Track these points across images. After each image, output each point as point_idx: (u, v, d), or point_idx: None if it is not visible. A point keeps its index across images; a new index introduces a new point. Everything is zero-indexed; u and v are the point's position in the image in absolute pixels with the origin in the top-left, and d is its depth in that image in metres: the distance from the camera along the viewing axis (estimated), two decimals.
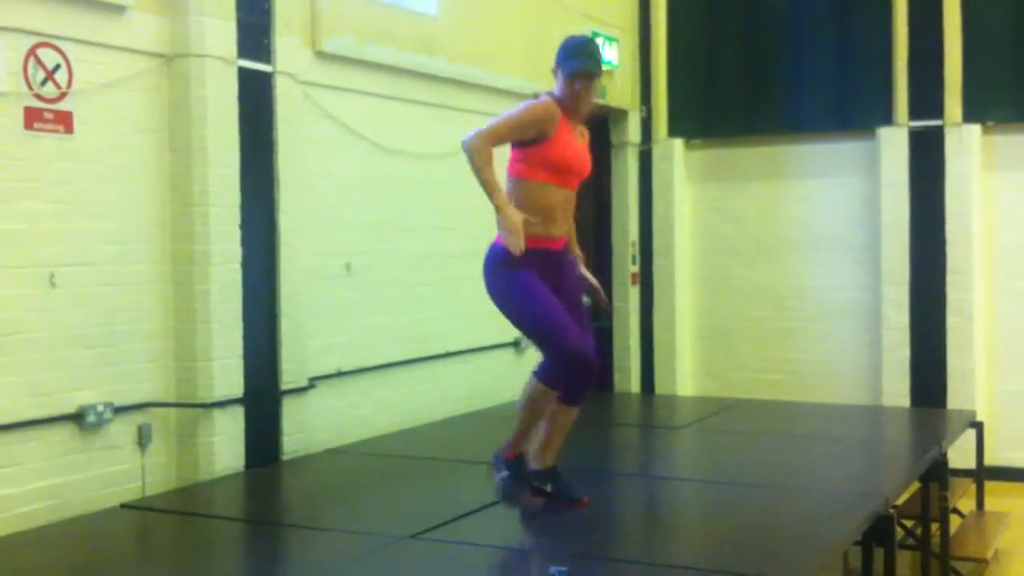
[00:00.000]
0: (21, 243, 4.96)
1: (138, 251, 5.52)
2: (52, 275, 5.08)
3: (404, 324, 7.20)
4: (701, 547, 4.57)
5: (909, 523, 6.44)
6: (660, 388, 10.22)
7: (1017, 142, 9.22)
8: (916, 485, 6.29)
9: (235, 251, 5.82)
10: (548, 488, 4.91)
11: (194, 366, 5.66)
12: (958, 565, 6.46)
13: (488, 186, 4.44)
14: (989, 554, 6.62)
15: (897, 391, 9.29)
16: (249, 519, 5.24)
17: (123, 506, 5.23)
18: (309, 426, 6.32)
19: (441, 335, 7.48)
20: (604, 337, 10.18)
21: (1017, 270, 9.24)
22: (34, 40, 5.01)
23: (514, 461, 4.80)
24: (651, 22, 10.26)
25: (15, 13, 4.93)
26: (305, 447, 6.25)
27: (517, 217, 4.41)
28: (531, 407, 4.74)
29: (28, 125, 4.99)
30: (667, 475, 6.15)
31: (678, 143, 10.26)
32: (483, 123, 4.59)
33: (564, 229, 4.80)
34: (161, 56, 5.61)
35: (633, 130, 10.18)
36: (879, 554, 5.03)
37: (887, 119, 9.42)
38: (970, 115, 9.18)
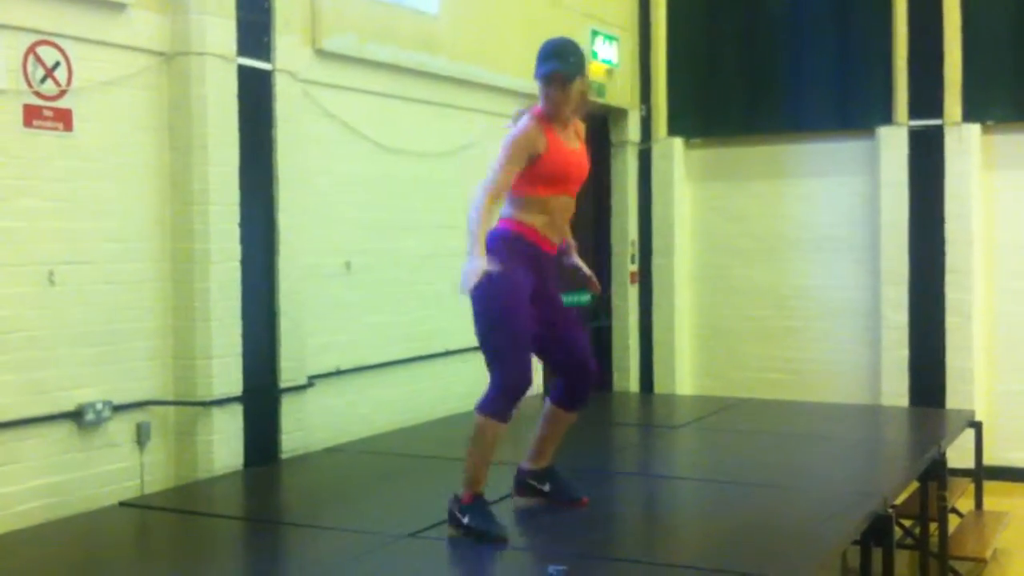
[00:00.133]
0: (20, 241, 4.96)
1: (138, 249, 5.52)
2: (51, 273, 5.07)
3: (404, 323, 7.20)
4: (700, 546, 4.57)
5: (908, 523, 6.45)
6: (659, 387, 10.22)
7: (1017, 141, 9.22)
8: (915, 485, 6.29)
9: (234, 249, 5.82)
10: (546, 488, 4.91)
11: (193, 364, 5.66)
12: (957, 565, 6.47)
13: (474, 238, 4.39)
14: (988, 554, 6.63)
15: (896, 391, 9.29)
16: (248, 517, 5.24)
17: (122, 504, 5.23)
18: (308, 424, 6.32)
19: (441, 334, 7.48)
20: (603, 336, 10.20)
21: (1016, 269, 9.24)
22: (34, 38, 5.01)
23: (473, 502, 4.55)
24: (651, 21, 10.26)
25: (15, 11, 4.93)
26: (304, 445, 6.25)
27: (483, 265, 4.33)
28: (479, 443, 4.55)
29: (27, 123, 4.99)
30: (666, 474, 6.15)
31: (678, 142, 10.26)
32: (486, 167, 4.62)
33: (561, 235, 4.79)
34: (161, 54, 5.60)
35: (633, 129, 10.18)
36: (878, 554, 5.03)
37: (887, 118, 9.42)
38: (970, 114, 9.18)
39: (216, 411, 5.69)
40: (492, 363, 4.55)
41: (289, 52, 6.17)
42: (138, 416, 5.50)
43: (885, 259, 9.41)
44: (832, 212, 9.83)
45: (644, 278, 10.30)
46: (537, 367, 5.56)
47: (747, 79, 10.12)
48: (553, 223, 4.69)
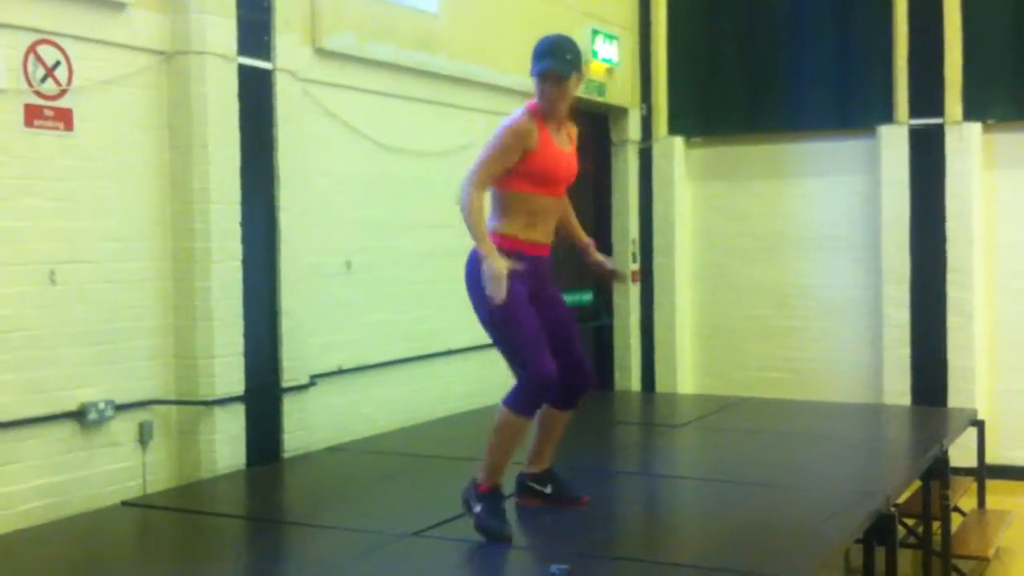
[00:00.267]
0: (21, 240, 4.96)
1: (138, 248, 5.52)
2: (52, 272, 5.07)
3: (405, 322, 7.19)
4: (702, 545, 4.56)
5: (910, 521, 6.45)
6: (660, 386, 10.21)
7: (1017, 140, 9.22)
8: (917, 483, 6.29)
9: (235, 248, 5.82)
10: (547, 490, 4.90)
11: (195, 364, 5.65)
12: (959, 563, 6.46)
13: (477, 235, 4.38)
14: (990, 552, 6.62)
15: (898, 389, 9.29)
16: (250, 517, 5.23)
17: (124, 504, 5.23)
18: (310, 424, 6.31)
19: (442, 333, 7.48)
20: (605, 335, 10.20)
21: (1017, 268, 9.24)
22: (34, 37, 5.00)
23: (489, 494, 4.56)
24: (651, 20, 10.26)
25: (15, 10, 4.93)
26: (306, 445, 6.25)
27: (502, 267, 4.31)
28: (502, 436, 4.55)
29: (28, 122, 4.99)
30: (668, 473, 6.15)
31: (678, 141, 10.26)
32: (474, 156, 4.58)
33: (549, 236, 4.72)
34: (161, 53, 5.60)
35: (633, 128, 10.17)
36: (880, 552, 5.02)
37: (887, 117, 9.41)
38: (970, 113, 9.18)
39: (218, 410, 5.69)
40: (513, 364, 4.56)
41: (289, 51, 6.17)
42: (140, 415, 5.50)
43: (886, 258, 9.40)
44: (833, 211, 9.82)
45: (645, 277, 10.29)
46: None
47: (748, 78, 10.12)
48: (537, 223, 4.61)
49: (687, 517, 5.18)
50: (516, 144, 4.50)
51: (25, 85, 4.96)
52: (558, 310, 4.78)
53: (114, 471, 5.35)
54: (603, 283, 5.23)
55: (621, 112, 10.08)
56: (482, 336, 4.79)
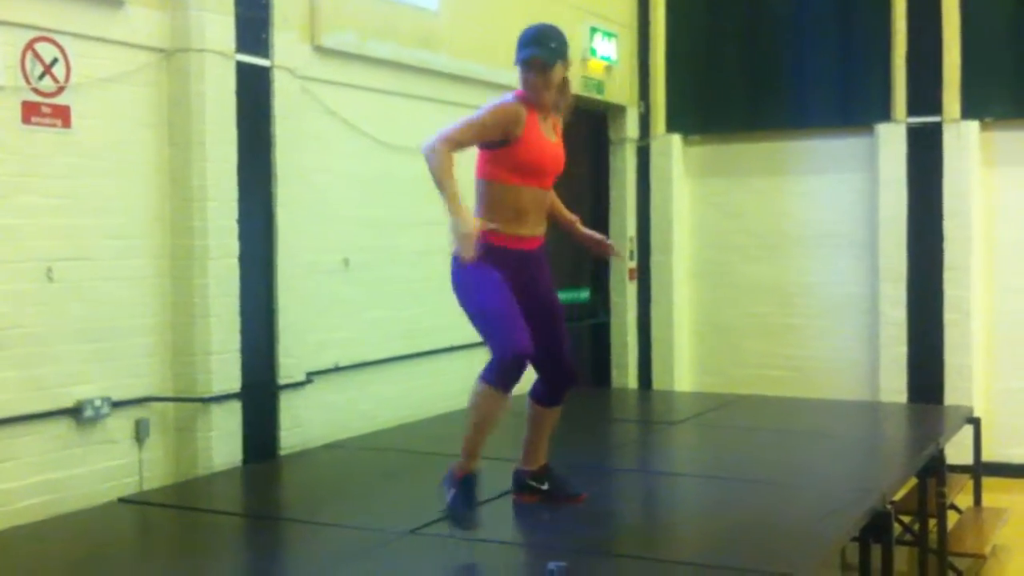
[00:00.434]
0: (19, 238, 4.96)
1: (136, 246, 5.52)
2: (50, 270, 5.07)
3: (402, 319, 7.19)
4: (699, 543, 4.57)
5: (907, 519, 6.45)
6: (658, 384, 10.22)
7: (1015, 138, 9.23)
8: (914, 481, 6.30)
9: (233, 246, 5.82)
10: (544, 487, 4.89)
11: (192, 361, 5.66)
12: (956, 561, 6.47)
13: (446, 191, 4.23)
14: (987, 550, 6.63)
15: (895, 387, 9.30)
16: (247, 514, 5.24)
17: (121, 500, 5.23)
18: (307, 421, 6.31)
19: (440, 330, 7.47)
20: (602, 332, 10.20)
21: (1015, 266, 9.25)
22: (32, 34, 5.00)
23: (463, 480, 4.48)
24: (650, 18, 10.26)
25: (13, 7, 4.93)
26: (303, 442, 6.25)
27: (471, 224, 4.21)
28: (478, 412, 4.45)
29: (26, 119, 4.99)
30: (665, 471, 6.15)
31: (676, 139, 10.26)
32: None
33: (538, 230, 4.62)
34: (160, 51, 5.60)
35: (631, 126, 10.17)
36: (877, 550, 5.03)
37: (886, 115, 9.42)
38: (968, 111, 9.19)
39: (215, 407, 5.69)
40: (487, 337, 4.45)
41: (288, 49, 6.17)
42: (137, 412, 5.50)
43: (884, 256, 9.42)
44: (831, 209, 9.83)
45: (643, 275, 10.30)
46: None
47: (746, 76, 10.12)
48: (522, 217, 4.50)
49: (684, 514, 5.18)
50: (501, 123, 4.40)
51: (23, 82, 4.96)
52: (547, 304, 4.70)
53: (111, 468, 5.35)
54: (597, 257, 5.12)
55: (619, 110, 10.08)
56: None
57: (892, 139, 9.37)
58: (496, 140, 4.43)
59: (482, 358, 4.60)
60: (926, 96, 9.27)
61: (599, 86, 9.50)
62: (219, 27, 5.71)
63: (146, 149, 5.58)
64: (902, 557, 6.46)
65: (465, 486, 4.47)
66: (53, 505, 5.03)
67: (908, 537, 6.39)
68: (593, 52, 9.31)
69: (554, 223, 4.95)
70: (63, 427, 5.14)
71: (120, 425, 5.41)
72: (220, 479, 5.64)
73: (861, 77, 9.59)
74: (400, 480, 5.69)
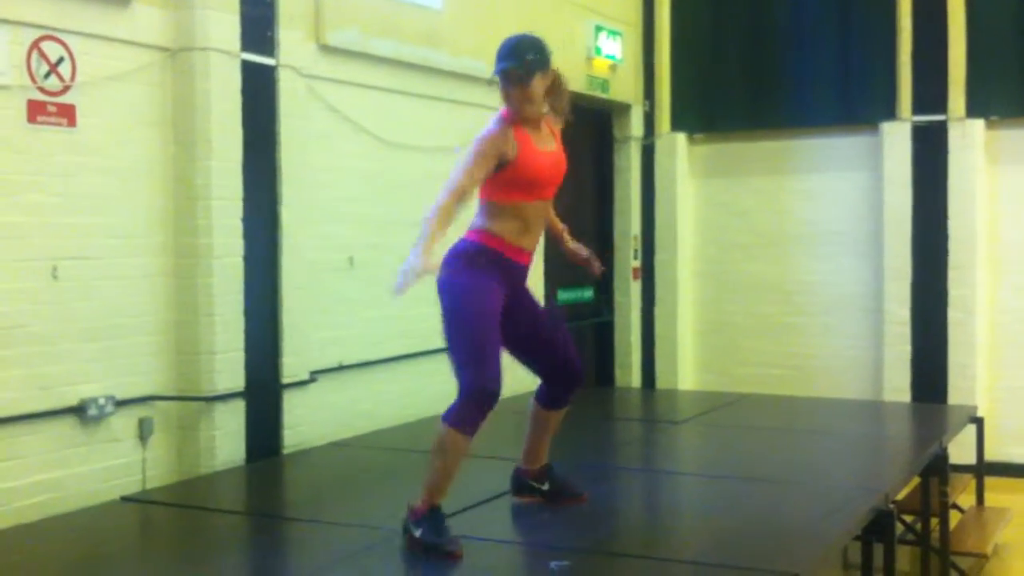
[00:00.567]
0: (24, 236, 4.97)
1: (141, 244, 5.53)
2: (55, 268, 5.09)
3: (406, 318, 7.19)
4: (702, 542, 4.57)
5: (909, 518, 6.45)
6: (661, 383, 10.22)
7: (1021, 137, 9.21)
8: (916, 480, 6.29)
9: (237, 244, 5.83)
10: (545, 487, 4.90)
11: (196, 359, 5.67)
12: (958, 560, 6.47)
13: (428, 232, 4.15)
14: (989, 549, 6.63)
15: (898, 386, 9.29)
16: (250, 512, 5.25)
17: (124, 499, 5.24)
18: (310, 420, 6.32)
19: None
20: (606, 331, 10.21)
21: (1020, 265, 9.24)
22: (37, 33, 5.01)
23: (429, 514, 4.27)
24: (654, 16, 10.25)
25: (19, 6, 4.94)
26: (306, 441, 6.26)
27: (426, 265, 4.06)
28: (442, 456, 4.29)
29: (31, 118, 5.00)
30: (668, 470, 6.15)
31: (681, 137, 10.25)
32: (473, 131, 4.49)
33: (535, 244, 4.60)
34: (165, 49, 5.61)
35: (636, 124, 10.17)
36: (879, 549, 5.05)
37: (890, 114, 9.41)
38: (973, 110, 9.17)
39: (218, 406, 5.70)
40: (459, 370, 4.32)
41: (292, 47, 6.18)
42: (141, 411, 5.51)
43: (888, 255, 9.41)
44: (835, 208, 9.82)
45: (646, 274, 10.29)
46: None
47: (750, 74, 10.12)
48: (527, 229, 4.50)
49: (687, 513, 5.18)
50: (492, 155, 4.35)
51: (28, 81, 4.97)
52: (535, 315, 4.70)
53: (114, 467, 5.36)
54: (581, 265, 5.05)
55: (624, 108, 10.08)
56: None
57: (897, 137, 9.35)
58: (494, 167, 4.38)
59: None
60: (931, 94, 9.26)
61: (604, 84, 9.50)
62: (224, 26, 5.72)
63: (151, 148, 5.59)
64: (904, 556, 6.47)
65: (433, 519, 4.27)
66: (56, 503, 5.04)
67: (910, 536, 6.38)
68: (598, 51, 9.31)
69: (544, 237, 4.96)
70: (67, 426, 5.16)
71: (124, 424, 5.42)
72: (223, 478, 5.65)
73: (866, 75, 9.58)
74: (403, 479, 5.67)
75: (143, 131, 5.54)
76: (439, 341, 7.60)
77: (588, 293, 9.87)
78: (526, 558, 4.49)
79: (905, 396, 9.23)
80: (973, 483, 7.52)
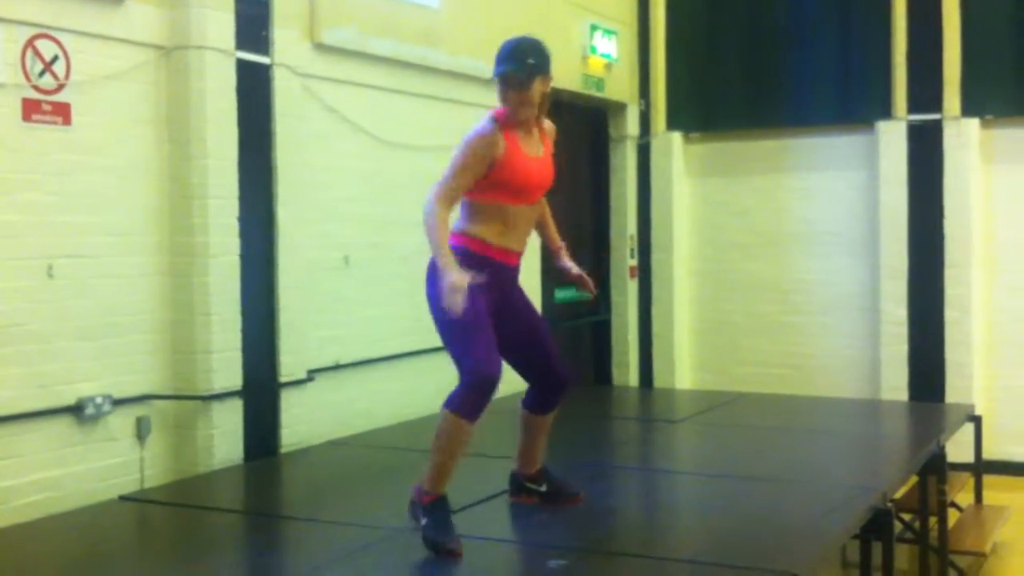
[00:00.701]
0: (19, 235, 4.95)
1: (136, 243, 5.52)
2: (50, 267, 5.07)
3: (403, 316, 7.18)
4: (700, 541, 4.56)
5: (907, 517, 6.45)
6: (659, 382, 10.22)
7: (1016, 136, 9.22)
8: (914, 479, 6.29)
9: (233, 243, 5.82)
10: (543, 488, 4.89)
11: (193, 358, 5.65)
12: (956, 559, 6.47)
13: (437, 246, 4.20)
14: (987, 548, 6.63)
15: (895, 385, 9.30)
16: (248, 511, 5.24)
17: (122, 498, 5.23)
18: (308, 419, 6.31)
19: None
20: (603, 330, 10.20)
21: (1015, 264, 9.25)
22: (32, 31, 5.00)
23: (433, 505, 4.31)
24: (650, 15, 10.25)
25: (12, 4, 4.92)
26: (304, 440, 6.25)
27: (462, 280, 4.10)
28: (444, 443, 4.30)
29: (26, 117, 4.98)
30: (666, 469, 6.15)
31: (677, 137, 10.25)
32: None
33: (522, 245, 4.56)
34: (160, 48, 5.60)
35: (632, 124, 10.17)
36: (877, 548, 5.04)
37: (886, 113, 9.42)
38: (969, 109, 9.18)
39: (216, 405, 5.69)
40: (458, 360, 4.35)
41: (288, 46, 6.17)
42: (138, 410, 5.50)
43: (884, 254, 9.41)
44: (831, 206, 9.83)
45: (643, 273, 10.29)
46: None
47: (746, 73, 10.12)
48: (510, 230, 4.46)
49: (685, 512, 5.18)
50: (481, 154, 4.34)
51: (23, 80, 4.96)
52: (526, 317, 4.69)
53: (111, 466, 5.35)
54: (578, 288, 5.04)
55: (619, 108, 10.07)
56: None
57: (892, 136, 9.36)
58: (485, 170, 4.37)
59: None
60: (926, 93, 9.27)
61: (599, 83, 9.49)
62: (219, 24, 5.71)
63: (146, 146, 5.57)
64: (903, 555, 6.47)
65: (438, 511, 4.30)
66: (53, 503, 5.03)
67: (909, 535, 6.38)
68: (593, 50, 9.31)
69: (541, 241, 4.95)
70: (64, 424, 5.14)
71: (121, 423, 5.41)
72: (221, 477, 5.64)
73: (861, 74, 9.59)
74: (401, 478, 5.65)
75: (138, 129, 5.53)
76: (436, 340, 7.63)
77: (585, 292, 9.84)
78: (524, 557, 4.48)
79: (902, 395, 9.23)
80: (971, 481, 7.53)
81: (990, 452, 8.37)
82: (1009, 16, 9.17)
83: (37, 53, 5.02)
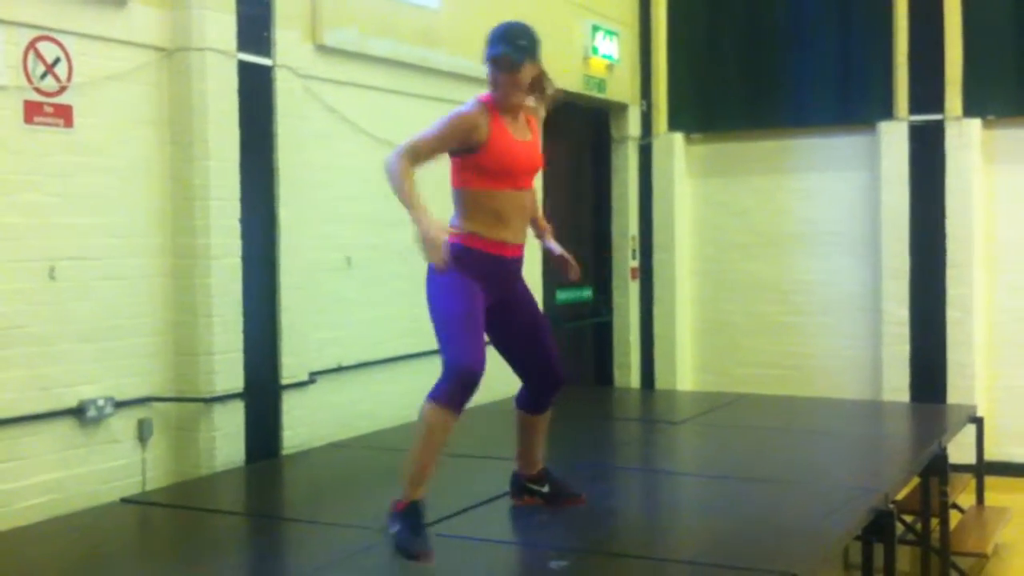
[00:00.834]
0: (21, 237, 4.96)
1: (138, 245, 5.52)
2: (52, 269, 5.07)
3: (405, 317, 7.18)
4: (701, 542, 4.56)
5: (909, 518, 6.45)
6: (660, 383, 10.22)
7: (1017, 136, 9.22)
8: (916, 480, 6.29)
9: (235, 245, 5.82)
10: (544, 489, 4.88)
11: (195, 360, 5.66)
12: (958, 560, 6.47)
13: (406, 199, 4.14)
14: (989, 549, 6.63)
15: (897, 386, 9.30)
16: (250, 513, 5.24)
17: (124, 500, 5.23)
18: (310, 420, 6.31)
19: None
20: (604, 331, 10.20)
21: (1017, 264, 9.25)
22: (34, 33, 5.00)
23: (406, 511, 4.21)
24: (651, 16, 10.26)
25: (15, 6, 4.92)
26: (306, 442, 6.25)
27: (436, 228, 4.05)
28: (424, 434, 4.25)
29: (28, 119, 4.98)
30: (667, 470, 6.14)
31: (678, 137, 10.26)
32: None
33: (520, 237, 4.53)
34: (161, 49, 5.60)
35: (633, 124, 10.17)
36: (879, 549, 5.04)
37: (887, 113, 9.42)
38: (970, 109, 9.18)
39: (218, 407, 5.69)
40: (443, 347, 4.30)
41: (289, 47, 6.17)
42: (140, 412, 5.50)
43: (886, 254, 9.41)
44: (833, 207, 9.82)
45: (645, 274, 10.29)
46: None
47: (748, 74, 10.12)
48: (503, 220, 4.41)
49: (686, 513, 5.17)
50: (459, 133, 4.33)
51: (25, 82, 4.96)
52: (529, 312, 4.67)
53: (113, 468, 5.35)
54: (560, 270, 5.01)
55: (621, 108, 10.07)
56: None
57: (894, 137, 9.36)
58: (458, 149, 4.38)
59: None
60: (928, 94, 9.27)
61: (601, 84, 9.49)
62: (221, 26, 5.71)
63: (148, 148, 5.58)
64: (904, 556, 6.47)
65: (410, 517, 4.20)
66: (56, 505, 5.03)
67: (910, 536, 6.38)
68: (595, 50, 9.31)
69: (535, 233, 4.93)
70: (66, 427, 5.15)
71: (123, 425, 5.41)
72: (223, 479, 5.64)
73: (863, 75, 9.59)
74: None
75: (140, 131, 5.53)
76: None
77: (587, 293, 9.87)
78: (525, 558, 4.48)
79: (904, 396, 9.23)
80: (973, 483, 7.52)
81: (992, 453, 8.37)
82: (1011, 16, 9.16)
83: (39, 55, 5.02)
